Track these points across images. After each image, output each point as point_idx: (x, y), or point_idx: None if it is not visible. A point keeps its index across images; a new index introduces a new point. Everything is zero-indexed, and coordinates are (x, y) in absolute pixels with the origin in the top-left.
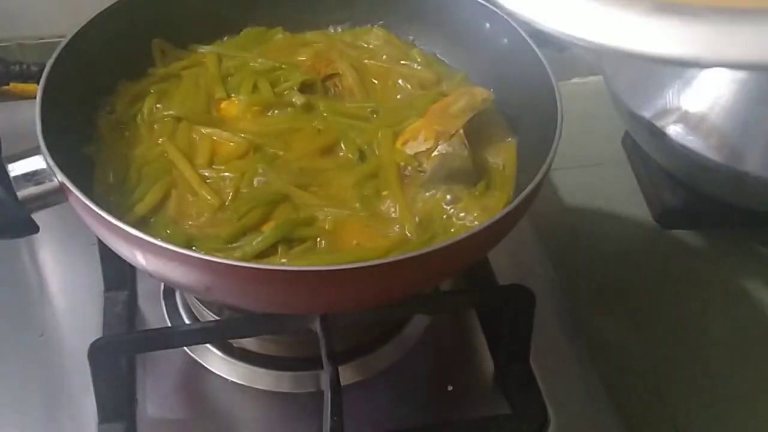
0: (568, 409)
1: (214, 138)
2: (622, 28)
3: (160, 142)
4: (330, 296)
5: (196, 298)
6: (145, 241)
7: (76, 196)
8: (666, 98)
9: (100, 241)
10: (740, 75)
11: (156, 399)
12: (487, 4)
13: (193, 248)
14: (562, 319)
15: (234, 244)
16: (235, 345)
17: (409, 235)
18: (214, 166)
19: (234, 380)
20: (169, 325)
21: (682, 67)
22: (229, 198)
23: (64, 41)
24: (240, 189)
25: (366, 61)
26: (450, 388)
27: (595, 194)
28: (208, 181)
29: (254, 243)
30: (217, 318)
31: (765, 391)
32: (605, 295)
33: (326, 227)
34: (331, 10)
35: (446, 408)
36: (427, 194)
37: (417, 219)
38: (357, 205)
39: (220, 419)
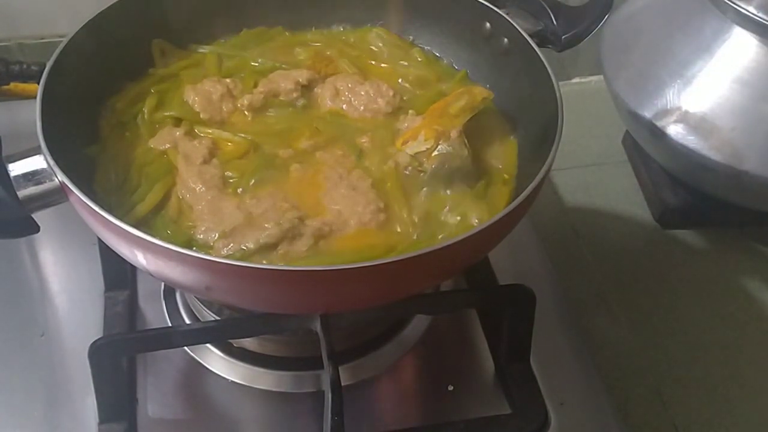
0: (568, 409)
1: (214, 138)
2: None
3: (152, 146)
4: (330, 296)
5: (196, 298)
6: (146, 241)
7: (77, 196)
8: (666, 98)
9: (100, 241)
10: (740, 75)
11: (156, 399)
12: (487, 4)
13: (194, 248)
14: (562, 319)
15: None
16: (235, 345)
17: (408, 235)
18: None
19: (234, 380)
20: (170, 325)
21: None
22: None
23: (64, 41)
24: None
25: (366, 60)
26: (450, 388)
27: (595, 194)
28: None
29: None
30: (217, 318)
31: (765, 391)
32: (605, 295)
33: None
34: (331, 10)
35: (446, 408)
36: (427, 194)
37: (417, 219)
38: None
39: (220, 419)
